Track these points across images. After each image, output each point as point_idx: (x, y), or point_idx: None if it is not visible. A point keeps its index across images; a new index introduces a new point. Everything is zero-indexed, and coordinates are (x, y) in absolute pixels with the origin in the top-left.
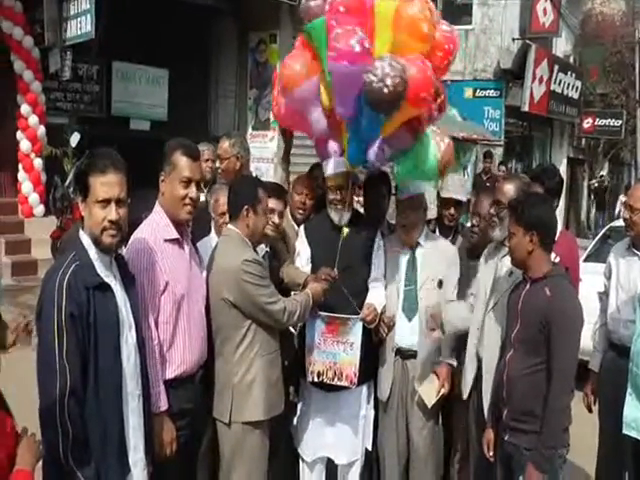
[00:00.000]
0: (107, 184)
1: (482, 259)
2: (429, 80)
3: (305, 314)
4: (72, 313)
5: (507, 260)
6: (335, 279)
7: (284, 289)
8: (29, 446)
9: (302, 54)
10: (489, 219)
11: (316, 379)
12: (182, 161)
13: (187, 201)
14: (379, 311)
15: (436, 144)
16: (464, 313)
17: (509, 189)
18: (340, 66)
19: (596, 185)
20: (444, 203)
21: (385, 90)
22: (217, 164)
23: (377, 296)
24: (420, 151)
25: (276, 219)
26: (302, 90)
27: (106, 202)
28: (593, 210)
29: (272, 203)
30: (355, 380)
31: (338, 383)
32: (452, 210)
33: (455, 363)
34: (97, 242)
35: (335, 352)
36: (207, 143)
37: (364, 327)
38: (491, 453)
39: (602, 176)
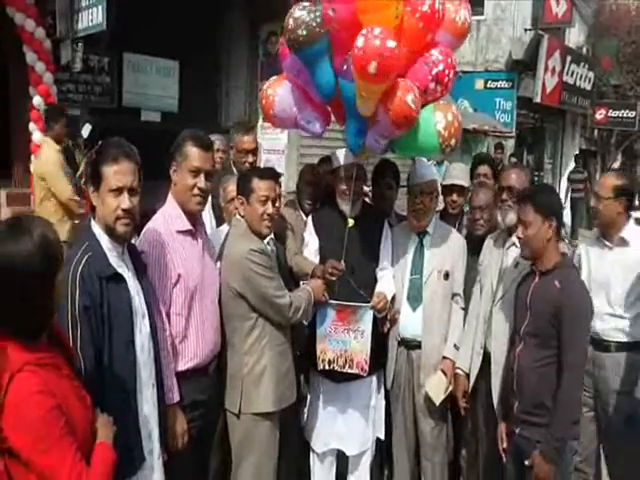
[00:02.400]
0: (120, 173)
1: (486, 249)
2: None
3: (309, 311)
4: (85, 305)
5: (512, 251)
6: (342, 271)
7: (294, 278)
8: (105, 423)
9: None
10: (501, 205)
11: (327, 367)
12: (192, 151)
13: (195, 191)
14: (389, 299)
15: (438, 117)
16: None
17: (520, 175)
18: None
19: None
20: (446, 190)
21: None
22: (250, 158)
23: (387, 284)
24: (417, 125)
25: (270, 208)
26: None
27: (119, 191)
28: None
29: (265, 190)
30: (366, 367)
31: (349, 370)
32: (454, 196)
33: (457, 359)
34: (110, 231)
35: (346, 340)
36: (218, 134)
37: (374, 316)
38: (504, 445)
39: None
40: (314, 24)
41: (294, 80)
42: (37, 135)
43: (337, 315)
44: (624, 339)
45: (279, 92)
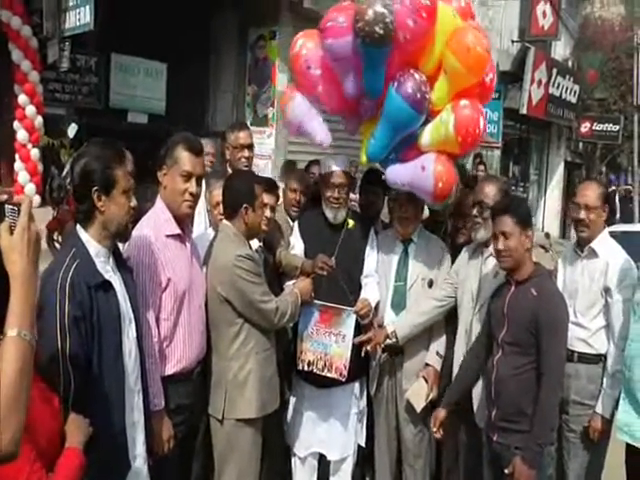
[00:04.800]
0: (128, 174)
1: (463, 260)
2: (477, 121)
3: (295, 314)
4: (75, 315)
5: (490, 261)
6: (332, 268)
7: (281, 275)
8: (78, 424)
9: (348, 9)
10: (472, 220)
11: (306, 368)
12: (183, 155)
13: (187, 196)
14: (373, 306)
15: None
16: (422, 307)
17: (491, 189)
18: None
19: (623, 194)
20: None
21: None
22: (246, 153)
23: (371, 292)
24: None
25: (268, 213)
26: (345, 42)
27: (129, 191)
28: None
29: (266, 198)
30: (345, 373)
31: (328, 374)
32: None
33: (439, 367)
34: (120, 234)
35: (327, 343)
36: (208, 138)
37: (357, 323)
38: (435, 429)
39: (629, 184)
40: (391, 26)
41: (330, 65)
42: (22, 134)
43: (320, 316)
44: (586, 350)
45: (296, 101)
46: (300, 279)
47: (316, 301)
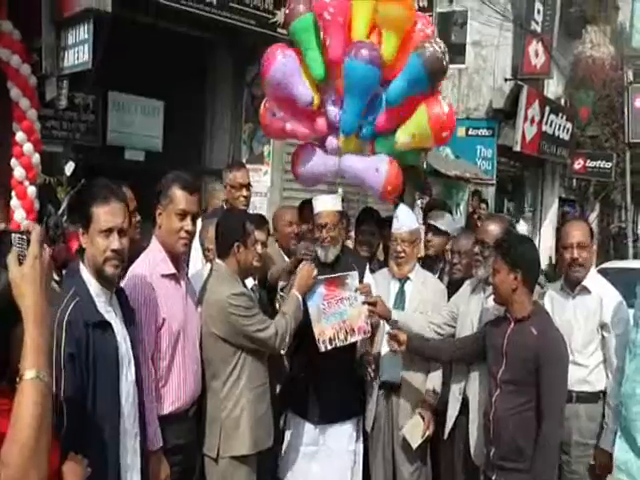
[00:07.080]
0: (110, 213)
1: (464, 295)
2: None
3: (298, 319)
4: (71, 353)
5: (492, 298)
6: (313, 251)
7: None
8: (74, 464)
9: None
10: (473, 258)
11: (329, 347)
12: (178, 194)
13: (182, 234)
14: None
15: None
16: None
17: (493, 229)
18: None
19: (617, 230)
20: (427, 229)
21: (444, 62)
22: (244, 192)
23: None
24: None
25: (259, 249)
26: (279, 66)
27: (109, 231)
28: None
29: (257, 234)
30: (369, 329)
31: (352, 340)
32: (429, 236)
33: (435, 404)
34: (99, 273)
35: (341, 310)
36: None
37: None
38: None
39: (622, 221)
40: None
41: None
42: (19, 171)
43: (327, 289)
44: (585, 389)
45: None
46: (298, 269)
47: (319, 277)
